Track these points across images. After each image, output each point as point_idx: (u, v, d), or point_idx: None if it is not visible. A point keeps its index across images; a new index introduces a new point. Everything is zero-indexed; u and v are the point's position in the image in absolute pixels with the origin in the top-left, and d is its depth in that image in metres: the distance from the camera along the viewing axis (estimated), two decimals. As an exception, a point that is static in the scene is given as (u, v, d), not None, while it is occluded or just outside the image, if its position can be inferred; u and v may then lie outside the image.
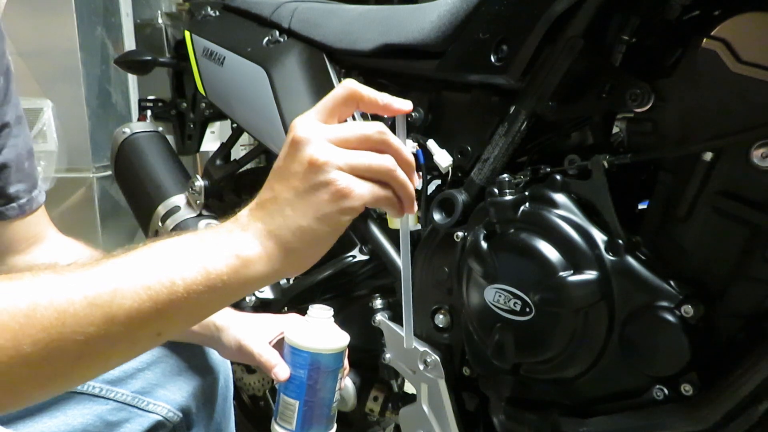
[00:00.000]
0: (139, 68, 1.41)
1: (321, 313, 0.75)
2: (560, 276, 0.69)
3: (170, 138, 1.41)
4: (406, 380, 0.95)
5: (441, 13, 0.83)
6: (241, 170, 1.29)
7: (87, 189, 1.99)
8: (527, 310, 0.72)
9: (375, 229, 0.98)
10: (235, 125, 1.30)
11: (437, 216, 0.83)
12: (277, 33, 1.09)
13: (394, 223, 0.92)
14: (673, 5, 0.65)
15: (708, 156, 0.63)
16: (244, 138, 1.37)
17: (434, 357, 0.86)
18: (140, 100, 1.50)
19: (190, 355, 0.92)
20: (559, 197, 0.72)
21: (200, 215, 1.22)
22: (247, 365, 1.29)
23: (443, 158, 0.85)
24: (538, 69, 0.74)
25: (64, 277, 0.44)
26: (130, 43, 2.14)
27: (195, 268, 0.47)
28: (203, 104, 1.40)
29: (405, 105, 0.54)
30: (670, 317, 0.64)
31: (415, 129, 0.90)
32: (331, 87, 0.93)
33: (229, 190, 1.31)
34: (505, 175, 0.75)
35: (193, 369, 0.92)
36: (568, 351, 0.71)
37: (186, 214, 1.23)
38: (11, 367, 0.42)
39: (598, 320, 0.69)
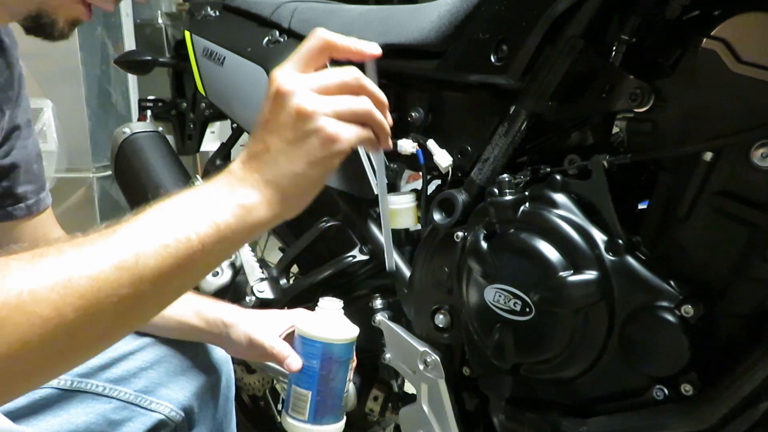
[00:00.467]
0: (139, 68, 1.41)
1: (332, 305, 0.76)
2: (560, 276, 0.69)
3: (170, 138, 1.41)
4: (406, 380, 0.95)
5: (441, 13, 0.83)
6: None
7: (87, 189, 1.99)
8: (527, 310, 0.72)
9: (375, 229, 0.98)
10: (235, 125, 1.30)
11: (437, 216, 0.83)
12: (277, 33, 1.10)
13: (394, 223, 0.92)
14: (673, 5, 0.65)
15: (708, 156, 0.63)
16: (244, 138, 1.37)
17: (434, 357, 0.86)
18: (140, 100, 1.50)
19: (193, 355, 0.92)
20: (559, 197, 0.72)
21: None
22: (247, 365, 1.29)
23: (443, 158, 0.85)
24: (538, 69, 0.74)
25: (89, 248, 0.47)
26: (130, 43, 2.14)
27: (206, 223, 0.51)
28: (203, 104, 1.40)
29: (374, 49, 0.57)
30: (670, 317, 0.64)
31: (415, 129, 0.90)
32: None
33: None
34: (505, 175, 0.75)
35: (196, 368, 0.92)
36: (568, 351, 0.71)
37: (186, 214, 1.22)
38: (56, 336, 0.45)
39: (598, 320, 0.69)
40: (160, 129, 1.38)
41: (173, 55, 1.41)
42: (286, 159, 0.54)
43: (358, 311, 1.03)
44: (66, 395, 0.79)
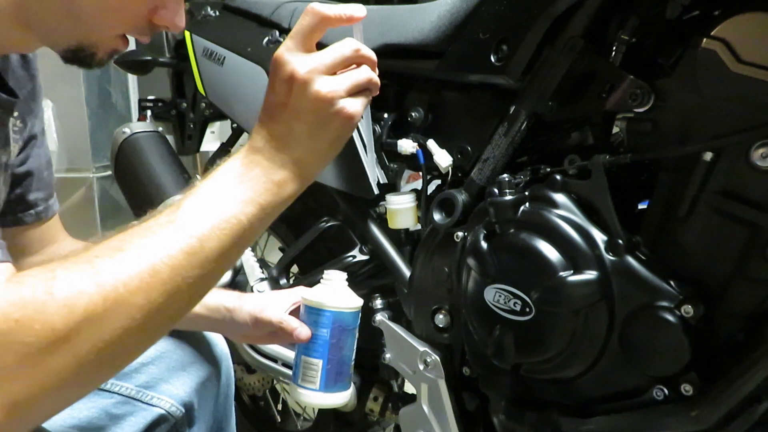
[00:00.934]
0: (139, 68, 1.41)
1: (337, 276, 0.79)
2: (560, 276, 0.69)
3: (170, 138, 1.41)
4: (406, 380, 0.95)
5: (441, 13, 0.83)
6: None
7: (87, 189, 1.99)
8: (527, 310, 0.72)
9: (375, 229, 0.98)
10: (235, 125, 1.30)
11: (437, 216, 0.83)
12: (277, 33, 1.09)
13: (394, 223, 0.92)
14: (673, 5, 0.65)
15: (708, 156, 0.63)
16: (244, 138, 1.37)
17: (434, 357, 0.86)
18: (140, 100, 1.50)
19: (194, 351, 0.93)
20: (559, 197, 0.72)
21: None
22: (247, 365, 1.30)
23: (443, 158, 0.85)
24: (538, 69, 0.74)
25: (157, 237, 0.53)
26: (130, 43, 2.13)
27: (251, 204, 0.58)
28: (203, 104, 1.40)
29: (361, 11, 0.63)
30: (670, 317, 0.64)
31: (415, 129, 0.90)
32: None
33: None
34: (505, 175, 0.75)
35: (196, 364, 0.92)
36: (568, 351, 0.71)
37: (186, 214, 1.22)
38: (148, 319, 0.51)
39: (598, 320, 0.69)
40: (160, 129, 1.38)
41: (173, 55, 1.41)
42: (310, 140, 0.60)
43: (358, 311, 1.03)
44: None
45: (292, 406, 1.44)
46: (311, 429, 1.31)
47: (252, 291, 1.13)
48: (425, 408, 0.87)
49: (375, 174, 0.79)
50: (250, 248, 1.18)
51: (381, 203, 0.99)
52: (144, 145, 1.30)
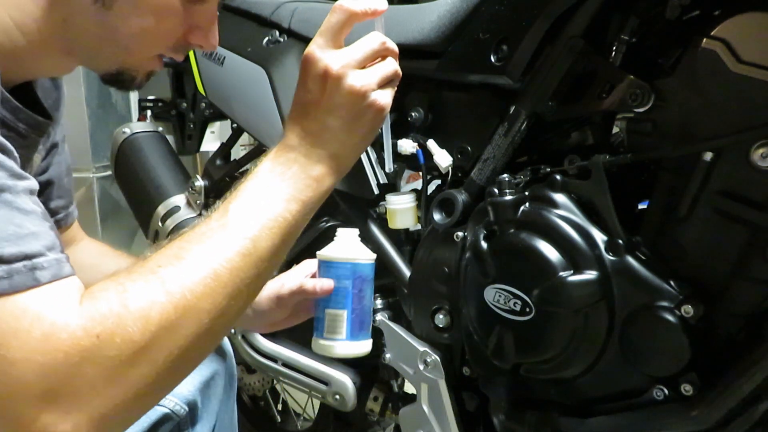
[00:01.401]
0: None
1: (351, 232, 0.82)
2: (560, 276, 0.69)
3: (170, 138, 1.41)
4: (406, 380, 0.95)
5: (441, 13, 0.83)
6: (241, 170, 1.29)
7: (87, 189, 1.99)
8: (527, 310, 0.72)
9: (375, 229, 0.98)
10: (235, 125, 1.30)
11: (437, 216, 0.83)
12: (277, 33, 1.09)
13: (394, 223, 0.92)
14: (673, 5, 0.65)
15: (708, 156, 0.63)
16: (244, 138, 1.37)
17: (434, 357, 0.86)
18: (140, 100, 1.50)
19: None
20: (559, 197, 0.72)
21: (200, 215, 1.22)
22: (247, 365, 1.29)
23: (443, 158, 0.85)
24: (538, 69, 0.74)
25: (213, 243, 0.56)
26: (130, 43, 2.13)
27: (294, 201, 0.61)
28: (203, 104, 1.40)
29: (383, 4, 0.65)
30: (670, 317, 0.64)
31: (415, 129, 0.90)
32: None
33: (229, 190, 1.31)
34: (505, 175, 0.75)
35: (201, 363, 0.92)
36: (568, 351, 0.71)
37: (186, 214, 1.23)
38: (214, 322, 0.54)
39: (598, 320, 0.69)
40: (160, 129, 1.38)
41: (173, 55, 1.40)
42: (346, 134, 0.63)
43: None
44: None
45: (292, 406, 1.45)
46: (311, 429, 1.31)
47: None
48: (425, 408, 0.87)
49: (390, 163, 0.81)
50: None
51: (381, 203, 0.99)
52: (144, 145, 1.30)
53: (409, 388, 0.99)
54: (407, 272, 0.92)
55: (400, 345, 0.90)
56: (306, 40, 1.05)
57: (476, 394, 0.86)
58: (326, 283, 0.79)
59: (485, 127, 0.81)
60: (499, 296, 0.74)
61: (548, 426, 0.74)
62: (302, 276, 0.85)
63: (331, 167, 0.64)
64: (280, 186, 0.61)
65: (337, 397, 1.04)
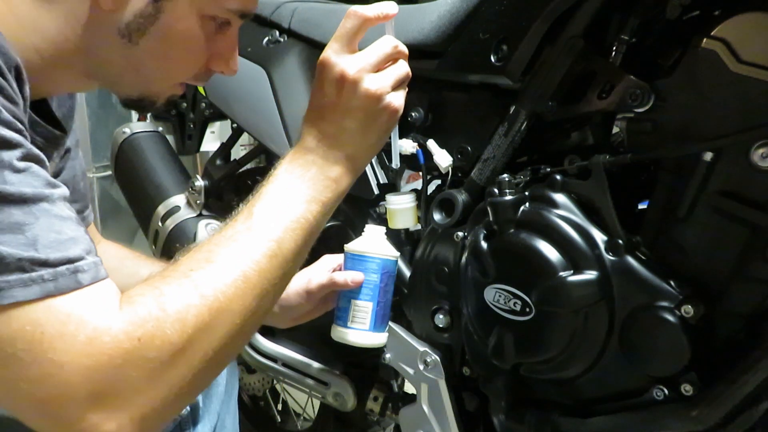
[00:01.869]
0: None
1: (379, 230, 0.85)
2: (560, 276, 0.69)
3: (170, 138, 1.41)
4: (406, 380, 0.95)
5: (441, 13, 0.83)
6: (241, 170, 1.29)
7: (87, 189, 1.98)
8: (527, 310, 0.72)
9: (375, 229, 0.98)
10: (235, 125, 1.30)
11: (437, 216, 0.83)
12: (277, 33, 1.09)
13: (394, 223, 0.92)
14: (673, 5, 0.65)
15: (708, 156, 0.63)
16: (244, 138, 1.37)
17: (434, 357, 0.86)
18: (140, 100, 1.50)
19: None
20: (559, 197, 0.72)
21: (200, 215, 1.22)
22: (247, 365, 1.29)
23: (443, 158, 0.85)
24: (538, 69, 0.74)
25: (240, 245, 0.58)
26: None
27: (315, 203, 0.64)
28: (203, 104, 1.39)
29: (394, 8, 0.68)
30: (670, 317, 0.64)
31: (415, 129, 0.90)
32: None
33: (229, 190, 1.31)
34: (505, 175, 0.75)
35: None
36: (568, 351, 0.71)
37: (186, 214, 1.23)
38: (245, 323, 0.56)
39: (598, 320, 0.69)
40: (160, 129, 1.38)
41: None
42: (362, 136, 0.66)
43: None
44: None
45: (292, 406, 1.45)
46: (311, 429, 1.31)
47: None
48: (425, 408, 0.87)
49: (397, 159, 0.82)
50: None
51: (381, 203, 0.99)
52: (144, 145, 1.30)
53: (409, 388, 0.99)
54: (407, 272, 0.92)
55: (400, 345, 0.90)
56: (306, 40, 1.05)
57: (476, 394, 0.86)
58: (358, 276, 0.82)
59: (485, 127, 0.81)
60: (499, 296, 0.74)
61: (548, 426, 0.74)
62: (327, 270, 0.87)
63: (348, 168, 0.66)
64: (300, 188, 0.64)
65: (337, 397, 1.04)
